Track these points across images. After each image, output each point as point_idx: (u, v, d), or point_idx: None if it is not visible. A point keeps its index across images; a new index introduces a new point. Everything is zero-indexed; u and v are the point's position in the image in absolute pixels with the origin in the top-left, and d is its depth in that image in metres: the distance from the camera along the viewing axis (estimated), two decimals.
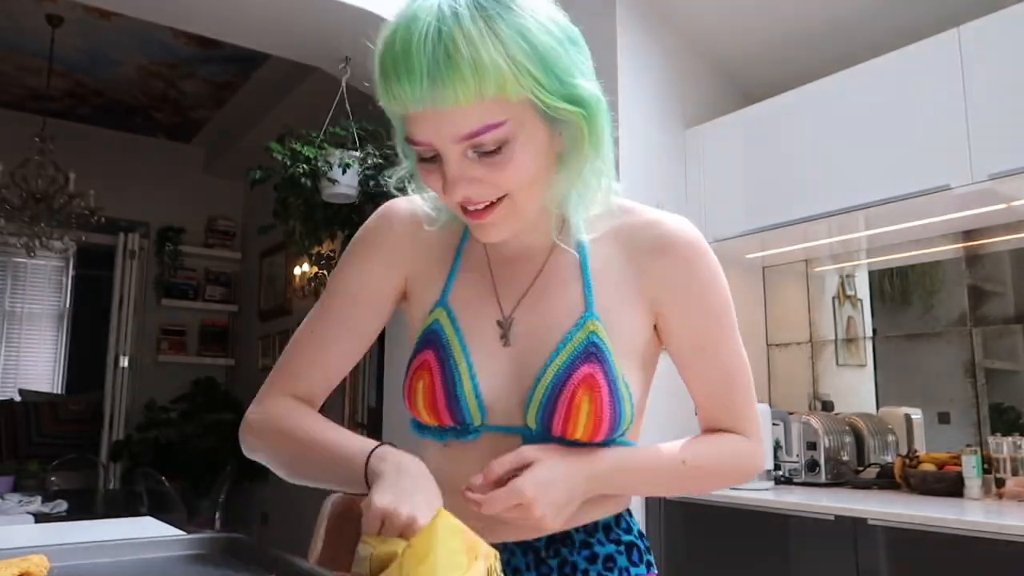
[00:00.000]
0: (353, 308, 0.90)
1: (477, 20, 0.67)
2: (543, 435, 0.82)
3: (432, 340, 0.85)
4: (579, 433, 0.81)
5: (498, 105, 0.69)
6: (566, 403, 0.79)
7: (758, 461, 0.92)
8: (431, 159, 0.74)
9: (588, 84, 0.74)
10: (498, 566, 0.65)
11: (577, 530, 0.87)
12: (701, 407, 0.92)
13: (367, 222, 0.94)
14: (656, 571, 0.92)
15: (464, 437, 0.85)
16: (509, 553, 0.85)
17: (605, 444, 0.83)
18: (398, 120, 0.76)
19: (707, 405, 0.91)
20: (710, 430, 0.92)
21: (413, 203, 0.92)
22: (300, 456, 0.84)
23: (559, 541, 0.86)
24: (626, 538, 0.89)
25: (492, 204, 0.76)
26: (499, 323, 0.86)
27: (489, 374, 0.84)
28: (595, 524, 0.88)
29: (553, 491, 0.76)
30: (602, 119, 0.77)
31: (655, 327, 0.88)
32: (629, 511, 0.93)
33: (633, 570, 0.88)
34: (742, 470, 0.91)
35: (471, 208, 0.76)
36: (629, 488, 0.90)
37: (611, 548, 0.88)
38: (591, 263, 0.85)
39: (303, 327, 0.92)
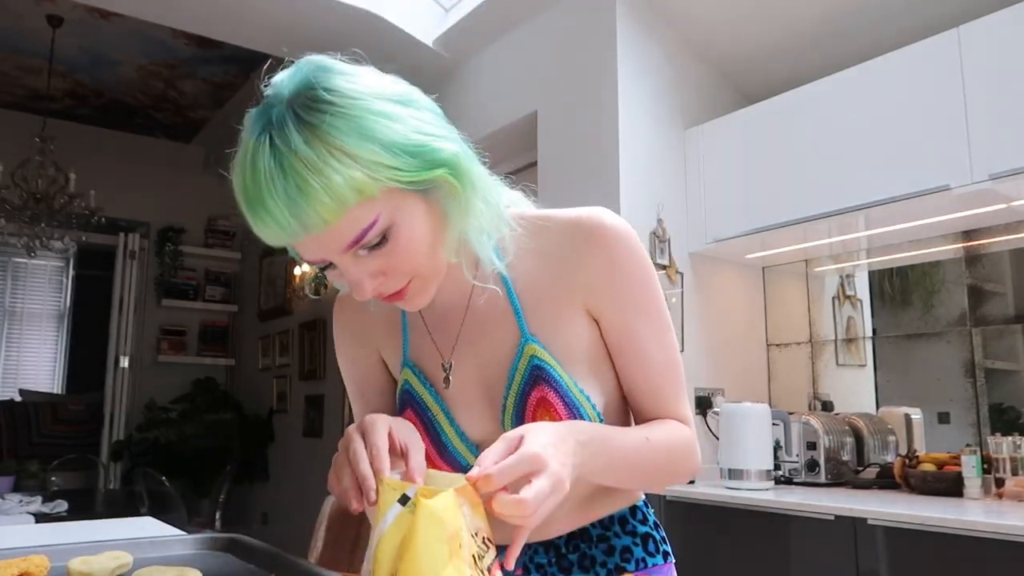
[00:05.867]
0: (365, 400, 0.99)
1: (310, 141, 0.67)
2: None
3: (406, 400, 0.91)
4: None
5: (366, 207, 0.69)
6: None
7: (696, 447, 0.90)
8: (331, 264, 0.75)
9: (440, 142, 0.73)
10: (487, 549, 0.65)
11: (594, 525, 0.90)
12: (634, 403, 0.90)
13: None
14: (673, 560, 0.94)
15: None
16: (532, 551, 0.89)
17: None
18: None
19: (640, 399, 0.89)
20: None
21: None
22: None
23: (578, 536, 0.90)
24: (642, 529, 0.92)
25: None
26: (442, 366, 0.89)
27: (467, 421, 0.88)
28: (611, 518, 0.91)
29: (561, 449, 0.70)
30: (467, 165, 0.76)
31: (598, 324, 0.88)
32: (645, 502, 0.96)
33: (650, 560, 0.91)
34: (690, 454, 0.89)
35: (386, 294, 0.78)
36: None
37: (627, 540, 0.91)
38: (516, 287, 0.86)
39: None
